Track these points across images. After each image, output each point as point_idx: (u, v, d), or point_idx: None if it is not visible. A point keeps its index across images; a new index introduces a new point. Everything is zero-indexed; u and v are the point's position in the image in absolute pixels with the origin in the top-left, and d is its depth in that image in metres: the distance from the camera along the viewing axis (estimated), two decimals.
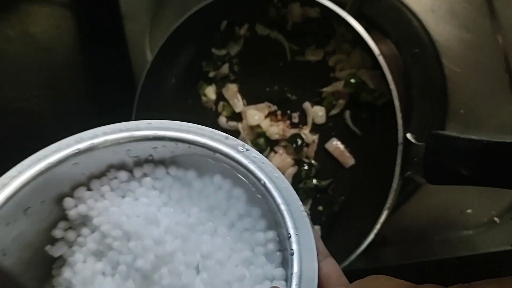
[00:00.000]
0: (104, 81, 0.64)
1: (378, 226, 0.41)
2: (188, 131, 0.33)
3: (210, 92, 0.55)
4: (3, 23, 0.53)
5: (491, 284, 0.22)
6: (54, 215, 0.35)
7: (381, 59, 0.41)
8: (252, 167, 0.32)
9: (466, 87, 0.45)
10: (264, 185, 0.31)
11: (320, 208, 0.49)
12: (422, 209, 0.48)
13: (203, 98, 0.55)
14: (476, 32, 0.44)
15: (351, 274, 0.35)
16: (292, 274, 0.29)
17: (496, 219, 0.45)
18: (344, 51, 0.50)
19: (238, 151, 0.33)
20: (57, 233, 0.35)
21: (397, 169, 0.41)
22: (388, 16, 0.48)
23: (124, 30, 0.62)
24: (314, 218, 0.49)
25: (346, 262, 0.42)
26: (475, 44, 0.44)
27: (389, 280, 0.28)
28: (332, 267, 0.33)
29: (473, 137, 0.37)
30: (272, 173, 0.32)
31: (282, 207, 0.31)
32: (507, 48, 0.43)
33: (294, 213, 0.31)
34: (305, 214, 0.31)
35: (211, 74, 0.56)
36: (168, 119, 0.35)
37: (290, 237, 0.30)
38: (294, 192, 0.32)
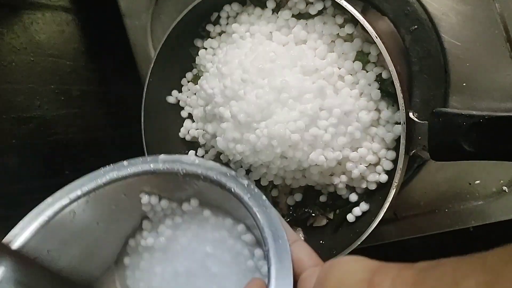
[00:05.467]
0: (111, 81, 0.66)
1: (387, 205, 0.42)
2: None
3: None
4: (8, 35, 0.54)
5: (458, 262, 0.22)
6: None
7: (379, 42, 0.41)
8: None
9: (467, 60, 0.45)
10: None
11: None
12: (431, 183, 0.49)
13: None
14: (473, 3, 0.44)
15: (363, 251, 0.37)
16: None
17: (505, 188, 0.46)
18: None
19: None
20: None
21: (402, 148, 0.41)
22: None
23: (125, 29, 0.63)
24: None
25: (358, 242, 0.43)
26: (473, 16, 0.44)
27: (358, 261, 0.29)
28: (302, 250, 0.35)
29: (474, 112, 0.38)
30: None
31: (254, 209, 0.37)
32: (505, 17, 0.43)
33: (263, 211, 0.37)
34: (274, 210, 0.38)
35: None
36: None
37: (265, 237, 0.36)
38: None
